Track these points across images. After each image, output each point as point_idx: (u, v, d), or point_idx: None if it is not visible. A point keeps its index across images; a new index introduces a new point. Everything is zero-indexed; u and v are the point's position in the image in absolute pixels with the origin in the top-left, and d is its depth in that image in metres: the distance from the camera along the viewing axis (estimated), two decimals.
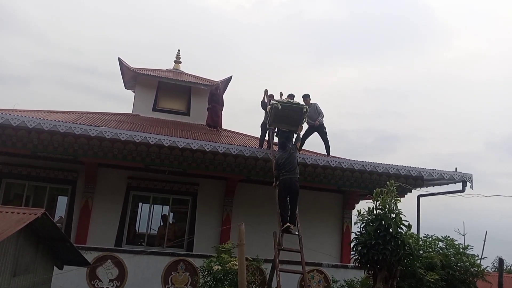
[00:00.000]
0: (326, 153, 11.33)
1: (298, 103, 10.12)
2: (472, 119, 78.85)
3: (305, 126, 11.19)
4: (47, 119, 9.37)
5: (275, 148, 10.41)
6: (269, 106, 10.28)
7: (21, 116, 9.28)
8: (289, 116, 9.92)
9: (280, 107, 9.76)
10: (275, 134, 10.54)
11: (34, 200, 11.19)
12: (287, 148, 9.20)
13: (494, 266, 15.30)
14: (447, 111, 78.30)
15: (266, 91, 10.99)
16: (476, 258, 8.34)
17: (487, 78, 76.59)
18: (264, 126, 10.97)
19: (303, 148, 11.58)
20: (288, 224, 8.50)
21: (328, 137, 11.23)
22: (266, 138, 11.03)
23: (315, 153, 12.17)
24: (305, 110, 9.98)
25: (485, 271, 8.44)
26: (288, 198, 8.77)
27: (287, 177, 8.73)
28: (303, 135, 11.14)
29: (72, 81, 64.05)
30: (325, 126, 11.13)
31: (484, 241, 10.39)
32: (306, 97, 11.00)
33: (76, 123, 9.57)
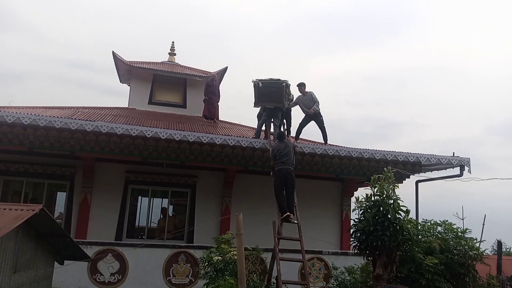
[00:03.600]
0: (323, 142, 11.35)
1: (279, 79, 10.27)
2: (471, 104, 78.80)
3: (301, 115, 11.23)
4: (42, 115, 9.33)
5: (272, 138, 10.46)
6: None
7: (16, 112, 9.24)
8: (272, 93, 10.17)
9: (260, 85, 10.05)
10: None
11: (32, 197, 11.20)
12: (285, 140, 9.26)
13: (494, 249, 15.42)
14: (446, 97, 78.17)
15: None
16: (475, 241, 8.38)
17: (486, 64, 76.46)
18: (260, 116, 11.01)
19: (300, 137, 11.59)
20: (287, 213, 8.55)
21: (325, 125, 11.24)
22: (263, 128, 11.04)
23: (312, 141, 12.17)
24: (284, 84, 10.16)
25: (484, 254, 8.49)
26: (284, 188, 8.81)
27: (282, 168, 8.78)
28: (299, 124, 11.19)
29: (68, 77, 63.75)
30: (321, 114, 11.13)
31: (483, 224, 10.45)
32: (301, 85, 11.04)
33: (72, 118, 9.54)
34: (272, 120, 10.64)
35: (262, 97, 10.34)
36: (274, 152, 9.10)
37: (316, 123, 11.21)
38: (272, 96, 10.27)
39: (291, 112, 11.30)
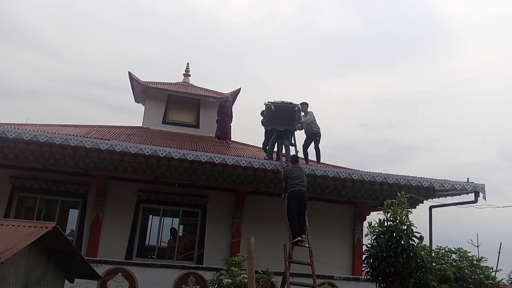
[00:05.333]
0: (316, 161, 11.56)
1: (291, 103, 10.50)
2: (485, 129, 77.66)
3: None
4: (58, 133, 9.50)
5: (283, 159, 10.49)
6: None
7: (33, 130, 9.42)
8: (284, 116, 10.43)
9: (273, 108, 10.30)
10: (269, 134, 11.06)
11: (45, 213, 11.28)
12: (298, 164, 9.36)
13: (510, 278, 15.03)
14: (460, 121, 77.26)
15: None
16: (491, 270, 8.19)
17: (500, 88, 75.66)
18: (270, 137, 11.16)
19: (310, 159, 11.62)
20: (299, 238, 8.50)
21: (319, 146, 11.56)
22: (275, 150, 11.08)
23: (324, 164, 12.12)
24: (297, 108, 10.40)
25: (500, 283, 8.27)
26: (297, 210, 8.77)
27: (296, 189, 8.80)
28: (302, 145, 11.31)
29: (84, 95, 64.71)
30: (320, 135, 11.43)
31: (499, 252, 10.21)
32: (303, 104, 11.39)
33: (87, 137, 9.68)
34: (284, 142, 10.73)
35: (274, 120, 10.58)
36: (286, 173, 9.14)
37: (314, 143, 11.36)
38: (283, 119, 10.50)
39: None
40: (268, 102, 10.57)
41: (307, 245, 8.65)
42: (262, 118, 11.30)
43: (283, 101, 10.57)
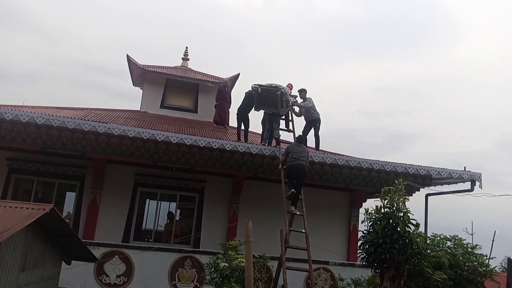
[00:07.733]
0: (315, 148, 11.58)
1: (277, 86, 10.51)
2: (484, 118, 77.87)
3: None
4: (56, 116, 9.44)
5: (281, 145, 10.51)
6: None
7: (31, 112, 9.36)
8: (269, 99, 10.50)
9: (259, 90, 10.42)
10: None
11: (42, 196, 11.30)
12: (301, 145, 9.58)
13: (503, 266, 15.18)
14: (459, 110, 77.49)
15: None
16: (485, 258, 8.26)
17: (500, 77, 75.72)
18: (264, 123, 11.15)
19: (309, 146, 11.61)
20: (293, 190, 8.83)
21: (319, 133, 11.56)
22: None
23: (322, 151, 12.14)
24: (279, 92, 10.37)
25: (494, 271, 8.36)
26: (296, 180, 9.03)
27: (295, 163, 9.02)
28: (302, 132, 11.33)
29: (81, 79, 64.45)
30: (320, 121, 11.41)
31: (493, 240, 10.33)
32: (301, 91, 11.36)
33: (85, 120, 9.63)
34: (272, 125, 10.81)
35: (261, 102, 10.65)
36: (288, 149, 9.41)
37: (314, 129, 11.37)
38: (269, 102, 10.56)
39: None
40: (255, 84, 10.62)
41: (298, 213, 8.92)
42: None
43: (270, 84, 10.59)
